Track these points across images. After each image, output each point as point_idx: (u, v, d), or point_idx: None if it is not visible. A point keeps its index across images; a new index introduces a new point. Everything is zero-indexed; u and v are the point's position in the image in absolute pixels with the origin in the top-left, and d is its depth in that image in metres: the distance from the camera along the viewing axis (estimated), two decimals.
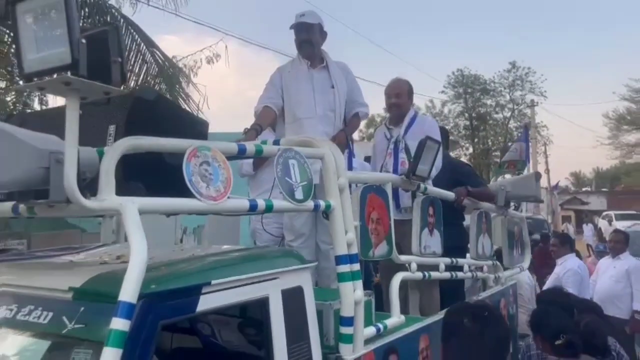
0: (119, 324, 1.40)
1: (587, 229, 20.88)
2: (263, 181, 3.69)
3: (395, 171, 3.50)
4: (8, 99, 7.12)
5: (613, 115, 28.97)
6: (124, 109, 1.90)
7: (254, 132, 3.23)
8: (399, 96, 3.76)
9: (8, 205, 1.81)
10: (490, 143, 35.51)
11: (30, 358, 1.63)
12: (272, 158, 2.21)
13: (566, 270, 5.58)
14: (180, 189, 1.92)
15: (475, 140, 35.88)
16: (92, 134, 1.96)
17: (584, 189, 48.63)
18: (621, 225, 25.47)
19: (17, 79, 7.51)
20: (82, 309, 1.66)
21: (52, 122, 2.02)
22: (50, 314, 1.70)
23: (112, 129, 1.90)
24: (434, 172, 3.34)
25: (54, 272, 2.04)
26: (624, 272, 5.54)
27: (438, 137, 3.23)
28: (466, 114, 35.27)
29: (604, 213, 29.06)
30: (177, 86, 7.24)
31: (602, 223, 25.68)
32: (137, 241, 1.51)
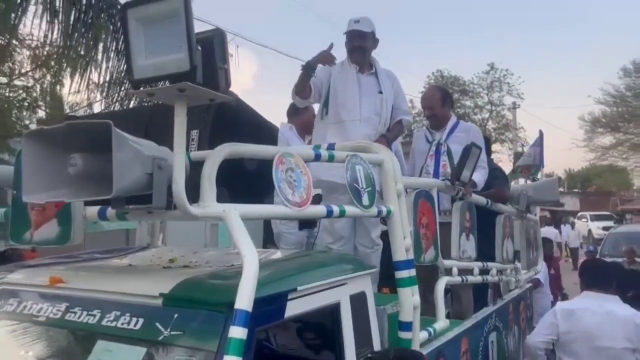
0: (238, 332, 1.40)
1: (565, 229, 21.32)
2: None
3: (436, 173, 3.59)
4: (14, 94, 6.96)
5: (588, 118, 29.59)
6: (207, 114, 1.89)
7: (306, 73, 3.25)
8: (432, 108, 3.92)
9: (94, 209, 1.80)
10: None
11: None
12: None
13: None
14: (259, 194, 1.93)
15: None
16: (169, 138, 1.95)
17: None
18: (595, 225, 26.19)
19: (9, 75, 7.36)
20: (176, 315, 1.65)
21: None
22: (141, 320, 1.68)
23: (194, 133, 1.89)
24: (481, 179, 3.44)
25: (128, 277, 2.01)
26: None
27: (482, 145, 3.31)
28: None
29: (579, 214, 29.76)
30: None
31: (579, 224, 26.29)
32: (248, 249, 1.51)
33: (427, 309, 2.90)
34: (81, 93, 6.73)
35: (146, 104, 4.60)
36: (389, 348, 1.88)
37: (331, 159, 2.14)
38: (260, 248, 3.99)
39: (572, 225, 22.01)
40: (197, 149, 1.90)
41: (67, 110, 9.14)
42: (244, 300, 1.44)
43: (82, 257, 2.52)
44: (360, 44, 3.46)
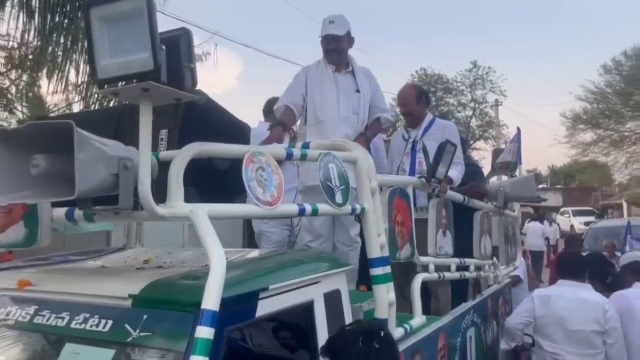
0: (205, 332, 1.40)
1: (546, 224, 21.60)
2: None
3: (412, 170, 3.61)
4: None
5: (570, 115, 29.84)
6: (176, 113, 1.88)
7: (280, 128, 3.25)
8: (407, 105, 3.92)
9: (61, 210, 1.78)
10: None
11: None
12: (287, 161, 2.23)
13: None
14: (229, 193, 1.92)
15: None
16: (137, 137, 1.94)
17: (540, 186, 50.15)
18: (577, 220, 26.55)
19: None
20: (146, 316, 1.64)
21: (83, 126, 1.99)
22: (110, 321, 1.67)
23: (163, 133, 1.88)
24: (457, 176, 3.46)
25: (99, 279, 2.00)
26: None
27: (457, 142, 3.33)
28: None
29: (562, 209, 30.09)
30: None
31: (561, 219, 26.58)
32: (215, 249, 1.50)
33: (406, 305, 2.92)
34: (59, 94, 6.65)
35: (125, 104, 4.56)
36: (361, 320, 1.96)
37: (304, 157, 2.14)
38: (240, 248, 3.99)
39: (551, 222, 22.31)
40: (166, 148, 1.88)
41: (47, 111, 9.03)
42: (211, 300, 1.43)
43: (56, 260, 2.49)
44: (336, 46, 3.47)
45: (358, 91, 3.46)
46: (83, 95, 6.73)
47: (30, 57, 6.73)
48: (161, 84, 1.44)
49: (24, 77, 7.14)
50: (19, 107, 7.92)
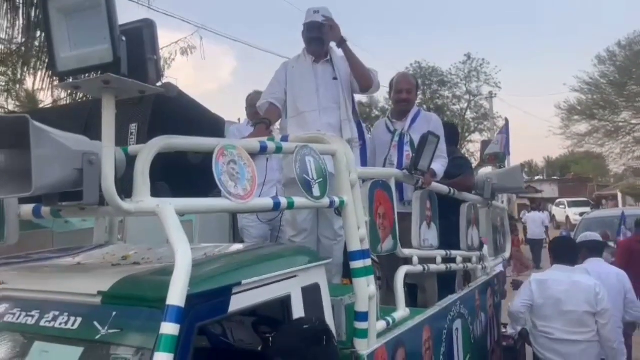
0: (170, 328, 1.37)
1: (543, 215, 21.77)
2: None
3: (399, 163, 3.57)
4: None
5: (564, 106, 29.79)
6: (146, 107, 1.85)
7: (264, 125, 3.23)
8: (410, 92, 3.87)
9: (29, 207, 1.75)
10: None
11: None
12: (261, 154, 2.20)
13: None
14: (202, 188, 1.89)
15: None
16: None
17: (536, 178, 50.29)
18: (573, 211, 26.67)
19: None
20: (115, 313, 1.61)
21: (52, 121, 1.95)
22: (79, 319, 1.65)
23: (133, 127, 1.85)
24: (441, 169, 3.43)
25: (71, 276, 1.97)
26: None
27: (442, 134, 3.31)
28: (424, 106, 35.62)
29: (557, 200, 30.18)
30: None
31: (556, 210, 26.66)
32: (181, 244, 1.47)
33: (394, 299, 2.90)
34: (45, 90, 6.59)
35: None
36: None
37: (278, 150, 2.11)
38: (227, 243, 3.96)
39: (542, 210, 22.45)
40: (137, 143, 1.86)
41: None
42: (176, 296, 1.41)
43: (33, 257, 2.46)
44: (318, 35, 3.44)
45: (335, 78, 3.43)
46: (68, 92, 6.68)
47: (14, 52, 6.66)
48: (122, 76, 1.41)
49: (9, 73, 7.08)
50: (9, 102, 7.86)
